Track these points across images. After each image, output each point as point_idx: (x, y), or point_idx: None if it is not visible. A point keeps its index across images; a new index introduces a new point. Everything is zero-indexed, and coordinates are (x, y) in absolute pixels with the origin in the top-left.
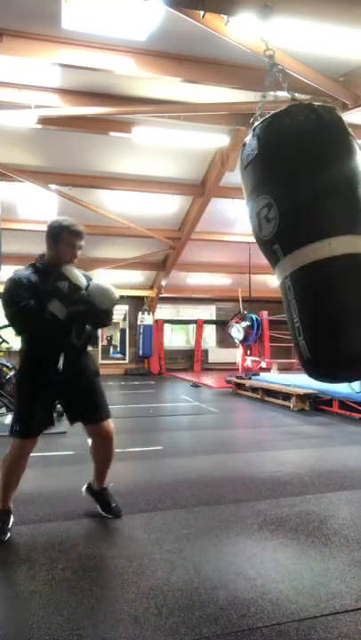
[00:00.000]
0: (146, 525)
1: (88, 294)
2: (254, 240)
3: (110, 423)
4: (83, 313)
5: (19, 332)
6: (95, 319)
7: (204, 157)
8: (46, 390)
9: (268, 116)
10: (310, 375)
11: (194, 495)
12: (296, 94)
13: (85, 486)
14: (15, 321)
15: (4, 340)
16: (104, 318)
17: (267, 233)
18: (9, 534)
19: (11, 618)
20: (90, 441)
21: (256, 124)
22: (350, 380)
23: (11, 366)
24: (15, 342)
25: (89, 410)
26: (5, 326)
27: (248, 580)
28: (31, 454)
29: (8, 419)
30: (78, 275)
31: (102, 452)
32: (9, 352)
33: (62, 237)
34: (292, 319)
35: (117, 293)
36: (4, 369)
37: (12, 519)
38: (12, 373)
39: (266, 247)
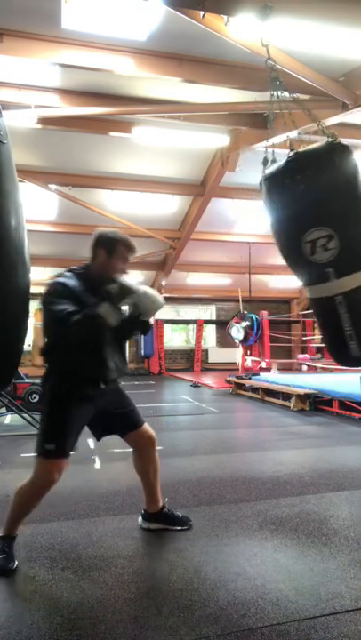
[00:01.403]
0: None
1: (137, 300)
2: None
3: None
4: (134, 321)
5: (64, 345)
6: (136, 327)
7: (204, 157)
8: (85, 407)
9: (314, 148)
10: (353, 366)
11: (194, 495)
12: (300, 95)
13: (140, 519)
14: (63, 332)
15: None
16: (144, 328)
17: (322, 258)
18: (16, 562)
19: (11, 618)
20: (133, 454)
21: (302, 151)
22: None
23: None
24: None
25: (128, 417)
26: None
27: (248, 580)
28: (31, 454)
29: (8, 419)
30: (128, 280)
31: (150, 460)
32: None
33: (118, 250)
34: (342, 329)
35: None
36: None
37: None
38: None
39: (312, 268)
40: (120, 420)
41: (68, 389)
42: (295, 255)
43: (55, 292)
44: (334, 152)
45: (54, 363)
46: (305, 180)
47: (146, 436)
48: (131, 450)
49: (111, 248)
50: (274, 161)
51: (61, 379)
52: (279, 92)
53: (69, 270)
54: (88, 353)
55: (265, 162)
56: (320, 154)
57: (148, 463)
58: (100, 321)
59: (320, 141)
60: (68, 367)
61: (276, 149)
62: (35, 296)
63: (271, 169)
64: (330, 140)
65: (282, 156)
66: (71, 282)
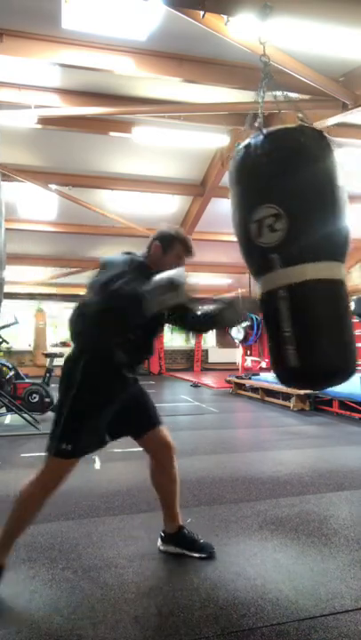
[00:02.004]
0: (146, 525)
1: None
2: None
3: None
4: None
5: (118, 324)
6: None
7: (204, 157)
8: (112, 400)
9: (283, 127)
10: (289, 383)
11: (194, 495)
12: (292, 94)
13: (160, 541)
14: (128, 308)
15: (3, 340)
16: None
17: (268, 241)
18: None
19: (11, 618)
20: (150, 464)
21: (271, 129)
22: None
23: (10, 366)
24: (15, 342)
25: (145, 416)
26: (5, 326)
27: (248, 580)
28: (31, 454)
29: (8, 419)
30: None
31: (164, 468)
32: (9, 352)
33: (174, 247)
34: (281, 330)
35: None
36: (4, 369)
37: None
38: (11, 373)
39: (259, 253)
40: (135, 419)
41: (98, 377)
42: (244, 241)
43: (124, 261)
44: (303, 132)
45: (86, 342)
46: (263, 155)
47: (163, 438)
48: (131, 450)
49: (167, 244)
50: None
51: (92, 363)
52: (268, 90)
53: (127, 253)
54: (122, 334)
55: (238, 145)
56: (286, 131)
57: (163, 472)
58: (143, 304)
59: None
60: (102, 347)
61: None
62: (35, 296)
63: (237, 149)
64: (303, 123)
65: None
66: (135, 260)
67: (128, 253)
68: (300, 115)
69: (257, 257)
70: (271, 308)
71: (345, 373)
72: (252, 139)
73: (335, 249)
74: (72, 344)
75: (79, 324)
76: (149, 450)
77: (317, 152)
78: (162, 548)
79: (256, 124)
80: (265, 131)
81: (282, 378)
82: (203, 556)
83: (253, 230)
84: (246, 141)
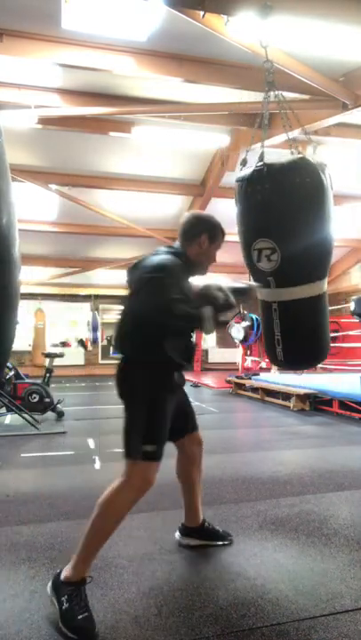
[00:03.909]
0: (146, 525)
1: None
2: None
3: None
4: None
5: (164, 335)
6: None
7: (204, 157)
8: (173, 401)
9: (281, 163)
10: (281, 367)
11: None
12: (297, 94)
13: (177, 534)
14: (162, 318)
15: None
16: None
17: (266, 267)
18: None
19: (11, 618)
20: (181, 462)
21: (270, 163)
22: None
23: (10, 366)
24: (14, 342)
25: (189, 418)
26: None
27: (248, 580)
28: (31, 454)
29: (8, 419)
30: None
31: (197, 467)
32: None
33: (218, 238)
34: (273, 332)
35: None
36: (4, 369)
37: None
38: (11, 373)
39: (259, 274)
40: (183, 420)
41: (160, 380)
42: (247, 259)
43: (172, 269)
44: (294, 170)
45: (140, 349)
46: (261, 192)
47: (198, 441)
48: None
49: (214, 234)
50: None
51: (152, 368)
52: (273, 94)
53: (169, 248)
54: (179, 345)
55: (243, 163)
56: (280, 169)
57: (197, 472)
58: (199, 324)
59: (291, 155)
60: (159, 353)
61: (276, 149)
62: (35, 296)
63: (241, 173)
64: (296, 156)
65: (278, 155)
66: (178, 262)
67: (172, 252)
68: (298, 149)
69: (258, 275)
70: (267, 315)
71: (315, 363)
72: (252, 170)
73: (319, 272)
74: (118, 349)
75: (129, 331)
76: (184, 448)
77: (306, 188)
78: (183, 541)
79: (258, 157)
80: (265, 167)
81: (274, 364)
82: (225, 543)
83: (255, 256)
84: (248, 172)
